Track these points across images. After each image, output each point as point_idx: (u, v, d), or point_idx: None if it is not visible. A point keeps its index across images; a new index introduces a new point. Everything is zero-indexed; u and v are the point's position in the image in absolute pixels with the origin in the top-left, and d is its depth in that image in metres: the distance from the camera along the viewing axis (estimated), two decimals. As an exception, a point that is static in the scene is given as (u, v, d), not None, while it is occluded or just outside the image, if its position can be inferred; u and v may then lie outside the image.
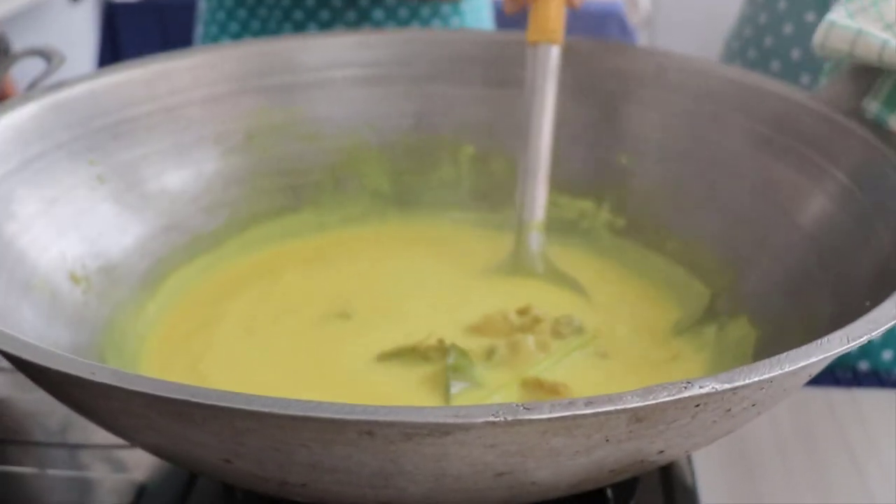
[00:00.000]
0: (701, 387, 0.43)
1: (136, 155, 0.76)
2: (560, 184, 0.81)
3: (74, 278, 0.68)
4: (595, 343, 0.69)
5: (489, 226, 0.82)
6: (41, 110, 0.71)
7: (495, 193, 0.82)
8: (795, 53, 0.94)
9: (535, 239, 0.77)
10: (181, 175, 0.78)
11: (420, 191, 0.84)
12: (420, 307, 0.72)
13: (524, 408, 0.41)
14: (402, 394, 0.64)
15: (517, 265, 0.78)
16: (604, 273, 0.77)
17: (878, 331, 0.47)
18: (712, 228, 0.75)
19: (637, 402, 0.42)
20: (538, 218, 0.78)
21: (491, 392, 0.63)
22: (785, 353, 0.45)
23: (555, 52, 0.77)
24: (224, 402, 0.41)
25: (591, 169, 0.81)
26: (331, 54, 0.83)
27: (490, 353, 0.66)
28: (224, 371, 0.65)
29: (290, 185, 0.82)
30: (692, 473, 0.65)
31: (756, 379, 0.43)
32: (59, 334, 0.63)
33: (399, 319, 0.71)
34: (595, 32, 2.30)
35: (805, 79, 0.94)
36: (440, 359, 0.66)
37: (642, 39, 2.90)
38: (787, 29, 0.95)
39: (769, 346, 0.64)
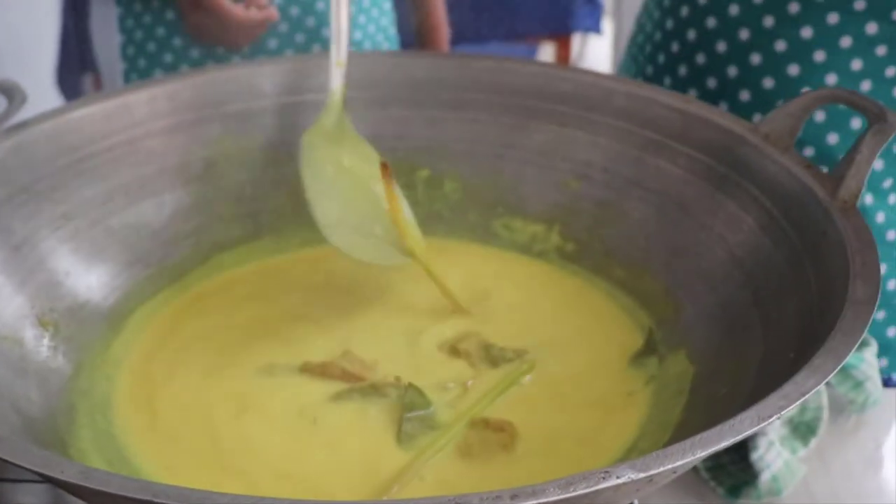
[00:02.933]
0: (618, 476, 0.46)
1: (99, 190, 0.78)
2: (513, 207, 0.84)
3: (42, 323, 0.71)
4: (537, 370, 0.72)
5: (443, 249, 0.84)
6: (4, 154, 0.73)
7: (450, 216, 0.85)
8: (700, 58, 0.97)
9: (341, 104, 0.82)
10: (144, 207, 0.80)
11: (378, 215, 0.86)
12: (375, 344, 0.75)
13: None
14: (360, 432, 0.68)
15: (332, 131, 0.81)
16: (555, 298, 0.80)
17: (789, 408, 0.50)
18: (656, 256, 0.77)
19: (558, 494, 0.45)
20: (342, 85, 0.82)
21: (442, 433, 0.66)
22: (699, 436, 0.48)
23: None
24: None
25: (542, 193, 0.83)
26: (286, 80, 0.85)
27: (442, 390, 0.70)
28: (185, 419, 0.68)
29: (250, 213, 0.84)
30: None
31: (670, 466, 0.47)
32: (28, 387, 0.66)
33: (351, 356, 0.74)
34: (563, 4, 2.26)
35: (711, 83, 0.97)
36: (397, 395, 0.69)
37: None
38: (691, 35, 0.98)
39: (703, 385, 0.67)
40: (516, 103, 0.83)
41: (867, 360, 0.87)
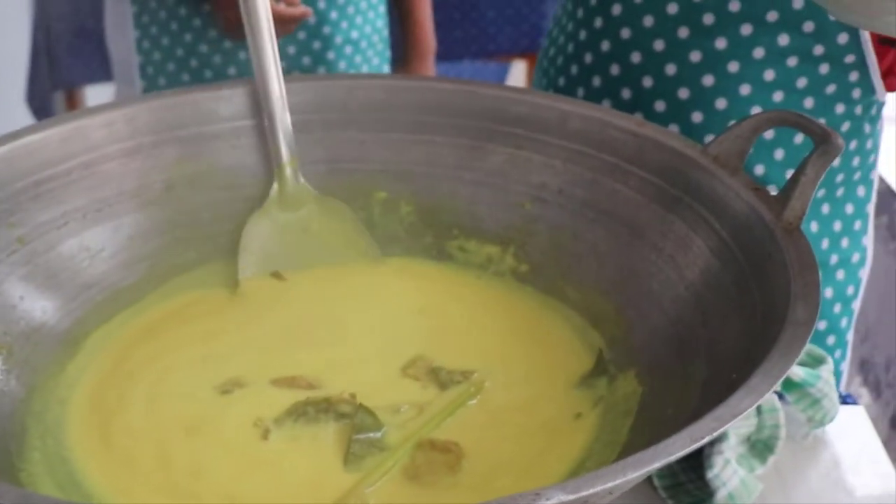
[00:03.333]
0: (548, 499, 0.46)
1: (55, 214, 0.78)
2: (468, 229, 0.84)
3: None
4: (486, 392, 0.73)
5: (402, 271, 0.85)
6: (-40, 179, 0.74)
7: (406, 238, 0.85)
8: (615, 69, 0.98)
9: (293, 174, 0.83)
10: (100, 231, 0.80)
11: (334, 237, 0.86)
12: (335, 364, 0.76)
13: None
14: (310, 454, 0.68)
15: (285, 202, 0.84)
16: (508, 319, 0.80)
17: (721, 429, 0.50)
18: (609, 277, 0.78)
19: (488, 518, 0.45)
20: (287, 158, 0.83)
21: (389, 455, 0.67)
22: (630, 458, 0.49)
23: None
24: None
25: (497, 215, 0.84)
26: (243, 104, 0.85)
27: (395, 412, 0.70)
28: (138, 442, 0.68)
29: (208, 235, 0.84)
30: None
31: (601, 488, 0.47)
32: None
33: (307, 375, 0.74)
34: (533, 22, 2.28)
35: (626, 93, 0.99)
36: (349, 413, 0.69)
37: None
38: (605, 46, 0.99)
39: (650, 405, 0.68)
40: (472, 126, 0.84)
41: (823, 378, 0.88)
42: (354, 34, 1.43)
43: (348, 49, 1.44)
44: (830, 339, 1.07)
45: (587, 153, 0.81)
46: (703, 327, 0.69)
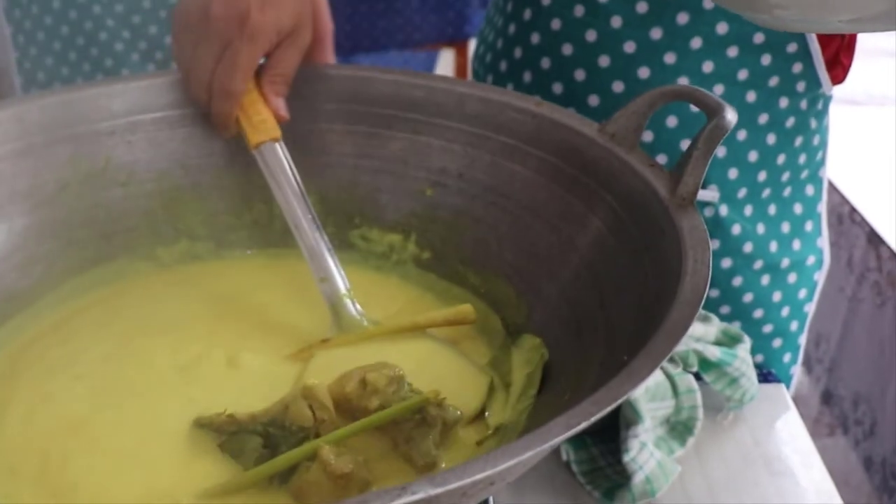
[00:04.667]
0: (414, 492, 0.45)
1: (-55, 216, 0.76)
2: (370, 217, 0.83)
3: None
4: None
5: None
6: None
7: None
8: (545, 62, 0.96)
9: (351, 306, 0.77)
10: (-7, 233, 0.78)
11: (234, 231, 0.84)
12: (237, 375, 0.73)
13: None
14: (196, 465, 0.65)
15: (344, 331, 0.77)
16: (414, 312, 0.78)
17: (598, 415, 0.49)
18: (509, 260, 0.77)
19: (352, 512, 0.44)
20: (344, 290, 0.77)
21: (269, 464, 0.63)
22: (501, 448, 0.47)
23: (279, 148, 0.79)
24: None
25: (398, 202, 0.83)
26: (137, 98, 0.83)
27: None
28: (22, 450, 0.66)
29: (104, 234, 0.82)
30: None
31: (469, 480, 0.46)
32: None
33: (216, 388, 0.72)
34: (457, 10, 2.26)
35: (557, 87, 0.97)
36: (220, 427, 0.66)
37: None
38: (535, 39, 0.97)
39: (549, 389, 0.66)
40: (370, 112, 0.82)
41: (740, 357, 0.87)
42: None
43: None
44: (777, 342, 1.05)
45: (486, 136, 0.79)
46: (601, 308, 0.68)
